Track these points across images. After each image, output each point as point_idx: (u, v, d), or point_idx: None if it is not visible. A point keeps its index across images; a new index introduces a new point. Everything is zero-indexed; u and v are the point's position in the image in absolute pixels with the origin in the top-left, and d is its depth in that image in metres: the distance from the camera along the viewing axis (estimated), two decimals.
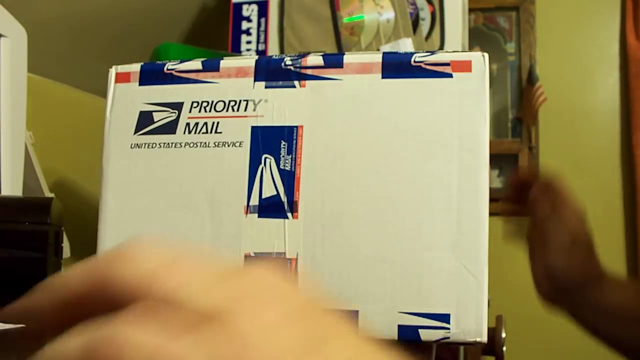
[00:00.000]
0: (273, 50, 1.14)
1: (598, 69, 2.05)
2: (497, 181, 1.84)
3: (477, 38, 2.01)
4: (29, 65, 0.77)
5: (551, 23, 2.07)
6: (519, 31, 2.05)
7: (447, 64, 0.40)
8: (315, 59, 0.42)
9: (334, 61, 0.42)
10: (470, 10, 1.29)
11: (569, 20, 2.08)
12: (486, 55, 0.41)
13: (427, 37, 1.14)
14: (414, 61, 0.41)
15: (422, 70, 0.41)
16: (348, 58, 0.42)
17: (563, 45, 2.06)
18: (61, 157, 1.00)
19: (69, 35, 1.00)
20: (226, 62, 0.44)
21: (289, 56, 0.43)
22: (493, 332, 1.18)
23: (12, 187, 0.73)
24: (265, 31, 1.14)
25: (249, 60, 0.44)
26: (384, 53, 0.41)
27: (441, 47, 1.13)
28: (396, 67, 0.41)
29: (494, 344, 1.18)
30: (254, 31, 1.15)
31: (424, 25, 1.14)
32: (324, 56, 0.42)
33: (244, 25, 1.15)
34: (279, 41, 1.13)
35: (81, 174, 1.04)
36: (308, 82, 0.42)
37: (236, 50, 1.15)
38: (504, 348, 1.17)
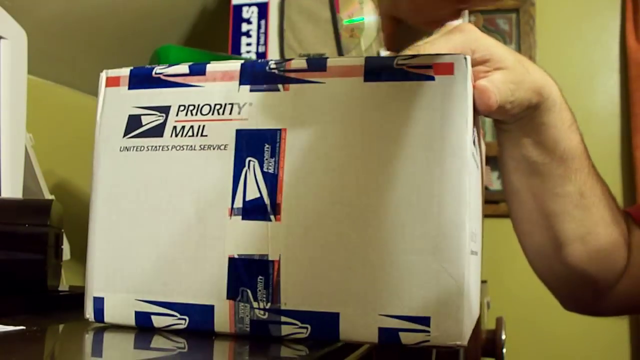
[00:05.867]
0: (273, 53, 1.14)
1: (598, 71, 2.04)
2: (497, 183, 1.84)
3: None
4: (29, 67, 0.78)
5: (551, 25, 2.07)
6: (518, 33, 2.04)
7: (430, 67, 0.40)
8: (299, 63, 0.43)
9: (317, 65, 0.42)
10: (470, 12, 1.29)
11: (569, 22, 2.07)
12: (469, 57, 0.41)
13: None
14: (396, 64, 0.41)
15: (404, 73, 0.41)
16: (331, 62, 0.42)
17: (563, 48, 2.05)
18: (61, 159, 1.01)
19: (69, 37, 1.00)
20: (212, 66, 0.44)
21: (274, 60, 0.43)
22: (493, 334, 1.19)
23: (12, 189, 0.74)
24: (265, 33, 1.15)
25: (234, 64, 0.44)
26: (366, 57, 0.42)
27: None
28: (378, 70, 0.41)
29: (494, 346, 1.18)
30: (254, 33, 1.15)
31: None
32: (308, 60, 0.42)
33: (244, 27, 1.15)
34: (279, 43, 1.14)
35: (81, 176, 1.04)
36: (292, 86, 0.42)
37: (236, 52, 1.15)
38: (504, 350, 1.17)
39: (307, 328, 0.40)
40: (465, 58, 0.41)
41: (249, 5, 1.15)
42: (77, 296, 0.68)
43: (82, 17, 0.99)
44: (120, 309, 0.45)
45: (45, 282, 0.58)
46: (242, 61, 0.44)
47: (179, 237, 0.43)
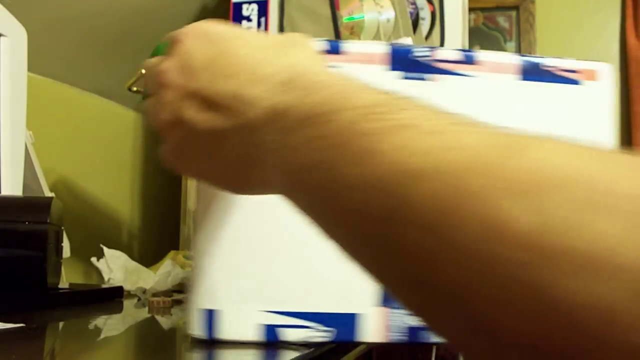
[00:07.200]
0: None
1: None
2: None
3: (477, 37, 2.01)
4: (29, 64, 0.77)
5: (551, 22, 2.07)
6: (518, 30, 2.05)
7: (575, 72, 0.42)
8: (451, 54, 0.43)
9: (468, 59, 0.43)
10: (470, 9, 1.29)
11: (569, 19, 2.07)
12: (611, 65, 0.43)
13: (427, 37, 1.14)
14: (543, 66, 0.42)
15: (552, 75, 0.42)
16: (480, 56, 0.43)
17: (563, 45, 2.06)
18: (61, 156, 1.01)
19: (69, 34, 1.00)
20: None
21: (419, 48, 0.43)
22: None
23: (12, 187, 0.74)
24: (265, 31, 1.14)
25: (383, 47, 0.44)
26: (520, 56, 0.43)
27: (441, 47, 1.13)
28: (531, 70, 0.42)
29: None
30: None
31: (424, 25, 1.14)
32: (462, 51, 0.43)
33: (244, 24, 1.15)
34: None
35: (81, 173, 1.04)
36: (440, 76, 0.43)
37: None
38: None
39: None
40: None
41: (249, 2, 1.15)
42: (76, 293, 0.68)
43: (82, 14, 0.99)
44: (239, 322, 0.40)
45: (45, 280, 0.58)
46: (388, 45, 0.43)
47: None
